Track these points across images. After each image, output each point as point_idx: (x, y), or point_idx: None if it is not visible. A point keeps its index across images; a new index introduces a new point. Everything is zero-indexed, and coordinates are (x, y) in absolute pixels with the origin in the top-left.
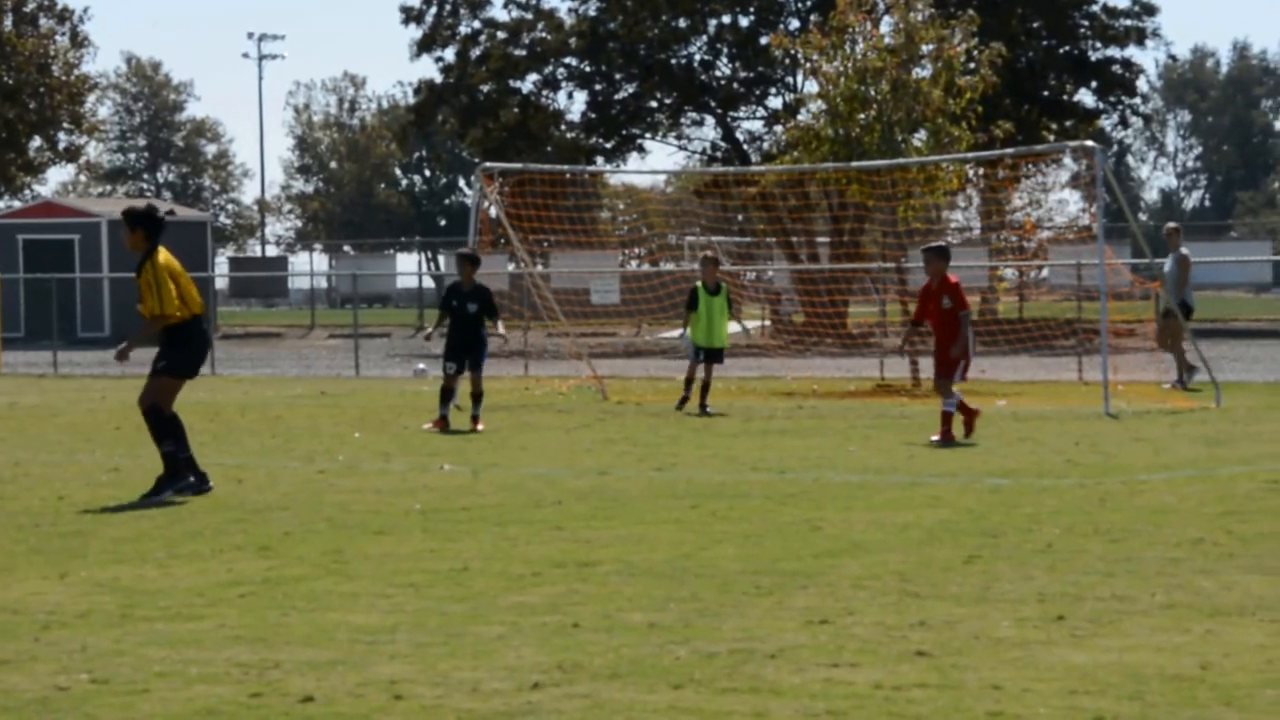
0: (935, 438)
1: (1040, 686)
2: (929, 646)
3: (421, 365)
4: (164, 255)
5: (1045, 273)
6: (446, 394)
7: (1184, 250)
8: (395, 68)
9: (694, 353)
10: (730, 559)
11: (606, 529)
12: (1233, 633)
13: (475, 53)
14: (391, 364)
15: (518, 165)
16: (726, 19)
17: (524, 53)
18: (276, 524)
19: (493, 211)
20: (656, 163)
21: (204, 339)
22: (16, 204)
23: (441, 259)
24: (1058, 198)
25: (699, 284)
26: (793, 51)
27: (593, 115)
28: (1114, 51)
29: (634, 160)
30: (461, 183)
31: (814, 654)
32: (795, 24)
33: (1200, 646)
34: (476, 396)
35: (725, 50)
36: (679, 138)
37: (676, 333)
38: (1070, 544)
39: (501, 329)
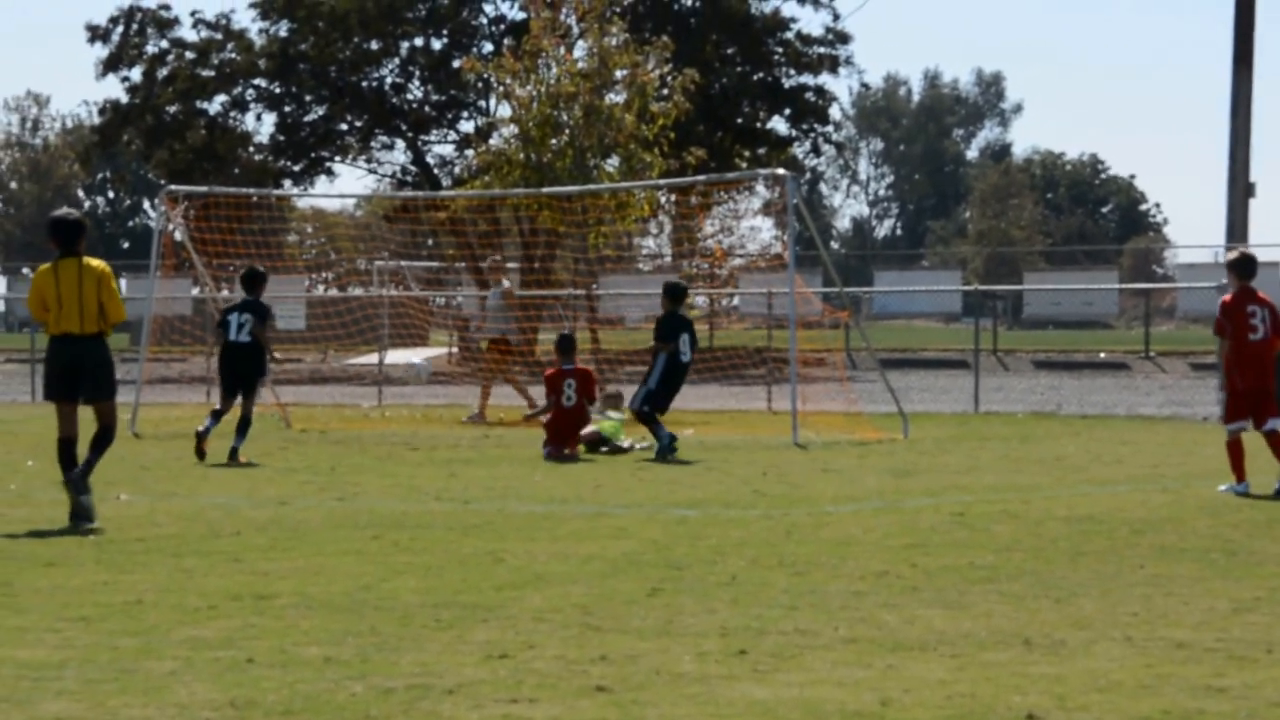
0: None
1: None
2: (609, 681)
3: None
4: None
5: (736, 301)
6: None
7: (506, 283)
8: (80, 87)
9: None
10: (410, 591)
11: (285, 560)
12: (914, 667)
13: (162, 73)
14: None
15: (203, 188)
16: (419, 41)
17: (212, 73)
18: None
19: (177, 235)
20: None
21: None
22: None
23: (124, 282)
24: (750, 225)
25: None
26: (485, 75)
27: (281, 137)
28: (807, 79)
29: (322, 183)
30: (146, 205)
31: (493, 689)
32: (489, 48)
33: (881, 681)
34: None
35: (417, 73)
36: (369, 161)
37: (367, 359)
38: (755, 576)
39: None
